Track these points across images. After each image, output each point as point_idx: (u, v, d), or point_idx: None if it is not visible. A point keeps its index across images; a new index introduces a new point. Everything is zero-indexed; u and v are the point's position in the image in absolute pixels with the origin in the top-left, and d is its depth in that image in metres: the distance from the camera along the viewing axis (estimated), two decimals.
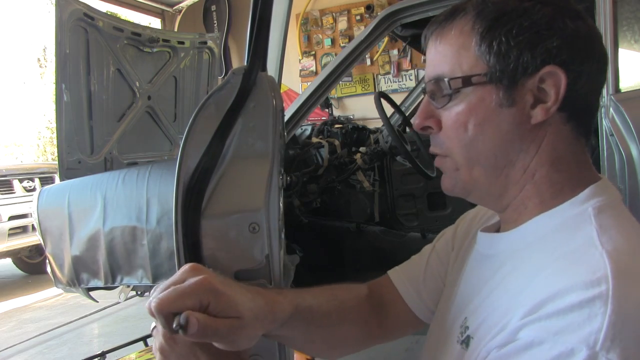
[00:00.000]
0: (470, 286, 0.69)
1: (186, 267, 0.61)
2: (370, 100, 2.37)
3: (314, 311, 0.73)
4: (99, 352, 2.55)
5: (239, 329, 0.58)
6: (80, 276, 1.85)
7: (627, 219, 0.60)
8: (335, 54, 5.20)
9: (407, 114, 2.94)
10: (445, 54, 0.64)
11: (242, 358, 0.65)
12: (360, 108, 5.33)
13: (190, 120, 0.82)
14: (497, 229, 0.71)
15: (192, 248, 0.77)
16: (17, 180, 4.95)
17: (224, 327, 0.56)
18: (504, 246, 0.65)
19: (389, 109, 2.12)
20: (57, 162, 2.26)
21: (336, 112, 5.36)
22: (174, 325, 0.54)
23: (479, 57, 0.61)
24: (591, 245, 0.53)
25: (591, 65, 0.61)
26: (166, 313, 0.55)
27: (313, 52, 5.64)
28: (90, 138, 2.39)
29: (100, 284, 1.80)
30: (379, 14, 2.22)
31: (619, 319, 0.46)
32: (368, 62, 5.31)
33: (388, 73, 5.31)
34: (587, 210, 0.58)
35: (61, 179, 2.21)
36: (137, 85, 2.60)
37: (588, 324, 0.47)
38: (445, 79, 0.63)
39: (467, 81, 0.62)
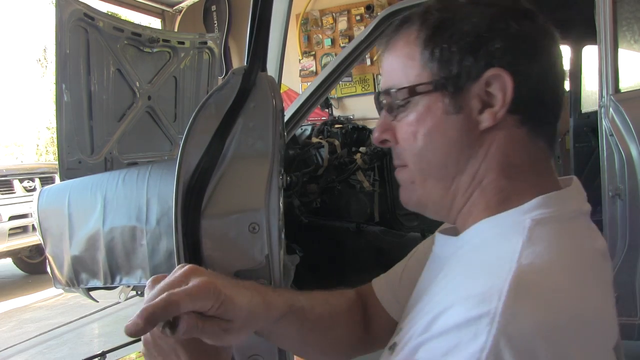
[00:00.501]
0: (419, 287, 0.69)
1: (185, 268, 0.59)
2: (370, 100, 2.37)
3: (306, 312, 0.74)
4: (99, 352, 2.55)
5: (227, 331, 0.59)
6: (79, 276, 1.85)
7: (570, 236, 0.56)
8: (335, 54, 5.19)
9: None
10: (394, 66, 0.64)
11: (223, 357, 0.65)
12: (360, 108, 5.33)
13: (190, 120, 0.82)
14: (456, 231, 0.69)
15: (191, 248, 0.77)
16: (17, 180, 4.95)
17: (211, 328, 0.57)
18: (450, 250, 0.64)
19: None
20: (57, 162, 2.27)
21: (336, 112, 5.36)
22: (161, 327, 0.53)
23: (423, 66, 0.61)
24: (509, 257, 0.51)
25: (541, 65, 0.59)
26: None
27: (313, 52, 5.64)
28: (91, 138, 2.40)
29: (100, 284, 1.80)
30: (379, 14, 2.22)
31: (502, 339, 0.45)
32: (368, 62, 5.30)
33: None
34: (525, 221, 0.55)
35: (61, 179, 2.22)
36: (137, 85, 2.60)
37: (473, 343, 0.45)
38: (393, 90, 0.63)
39: (412, 91, 0.61)
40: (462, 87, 0.59)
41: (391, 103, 0.64)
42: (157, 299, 0.53)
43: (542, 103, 0.60)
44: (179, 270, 0.60)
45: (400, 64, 0.63)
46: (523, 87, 0.58)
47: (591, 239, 0.59)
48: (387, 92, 0.64)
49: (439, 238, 0.70)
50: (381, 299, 0.83)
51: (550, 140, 0.62)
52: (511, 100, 0.57)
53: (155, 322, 0.53)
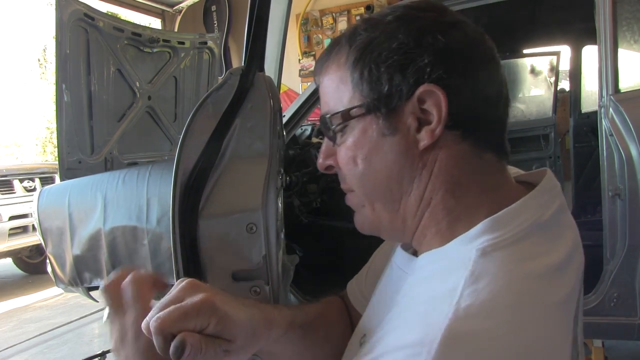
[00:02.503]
0: (378, 298, 0.68)
1: (184, 283, 0.58)
2: None
3: (305, 328, 0.72)
4: (99, 351, 2.56)
5: (228, 353, 0.57)
6: (82, 275, 1.85)
7: (517, 261, 0.52)
8: None
9: None
10: (328, 91, 0.63)
11: None
12: None
13: (188, 120, 0.82)
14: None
15: (189, 248, 0.77)
16: (17, 180, 4.95)
17: (212, 349, 0.55)
18: (408, 269, 0.62)
19: None
20: (57, 162, 2.27)
21: None
22: (171, 350, 0.51)
23: (354, 89, 0.59)
24: (449, 297, 0.48)
25: (475, 75, 0.57)
26: (167, 334, 0.52)
27: (313, 53, 5.64)
28: (91, 138, 2.40)
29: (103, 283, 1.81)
30: None
31: None
32: None
33: None
34: (471, 252, 0.52)
35: (61, 179, 2.22)
36: (138, 85, 2.61)
37: None
38: (328, 116, 0.62)
39: (346, 115, 0.60)
40: (395, 106, 0.57)
41: (328, 129, 0.63)
42: (151, 322, 0.52)
43: (482, 115, 0.58)
44: (176, 287, 0.58)
45: (333, 89, 0.62)
46: (458, 101, 0.56)
47: (545, 254, 0.55)
48: (323, 118, 0.63)
49: (399, 252, 0.68)
50: (353, 300, 0.83)
51: (499, 150, 0.60)
52: (447, 115, 0.55)
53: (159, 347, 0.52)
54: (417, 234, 0.61)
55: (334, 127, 0.62)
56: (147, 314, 0.55)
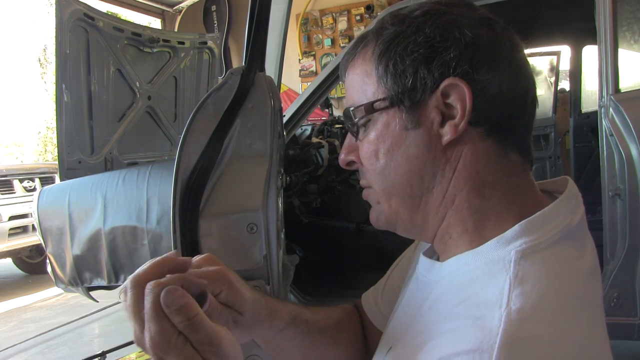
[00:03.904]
0: (404, 310, 0.67)
1: (203, 255, 0.60)
2: None
3: (310, 325, 0.72)
4: (99, 352, 2.56)
5: (236, 324, 0.60)
6: (82, 275, 1.86)
7: (556, 263, 0.52)
8: (335, 54, 5.20)
9: None
10: (353, 84, 0.63)
11: None
12: None
13: (189, 121, 0.82)
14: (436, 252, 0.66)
15: (190, 248, 0.77)
16: (17, 180, 4.95)
17: (225, 316, 0.57)
18: (435, 277, 0.61)
19: None
20: (57, 162, 2.27)
21: (336, 112, 5.34)
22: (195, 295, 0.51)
23: (379, 82, 0.59)
24: (497, 301, 0.47)
25: (501, 73, 0.56)
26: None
27: (313, 52, 5.64)
28: (91, 138, 2.40)
29: (104, 282, 1.82)
30: (378, 14, 2.22)
31: None
32: None
33: None
34: (510, 253, 0.52)
35: (61, 179, 2.22)
36: (138, 85, 2.61)
37: None
38: (352, 109, 0.62)
39: (369, 108, 0.60)
40: (419, 100, 0.57)
41: (352, 122, 0.63)
42: (172, 276, 0.50)
43: (507, 113, 0.58)
44: (196, 257, 0.59)
45: (358, 82, 0.62)
46: (483, 97, 0.55)
47: (578, 259, 0.55)
48: (347, 111, 0.63)
49: (422, 261, 0.67)
50: (368, 312, 0.82)
51: (524, 152, 0.59)
52: (472, 110, 0.55)
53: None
54: (441, 233, 0.61)
55: (356, 120, 0.62)
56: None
